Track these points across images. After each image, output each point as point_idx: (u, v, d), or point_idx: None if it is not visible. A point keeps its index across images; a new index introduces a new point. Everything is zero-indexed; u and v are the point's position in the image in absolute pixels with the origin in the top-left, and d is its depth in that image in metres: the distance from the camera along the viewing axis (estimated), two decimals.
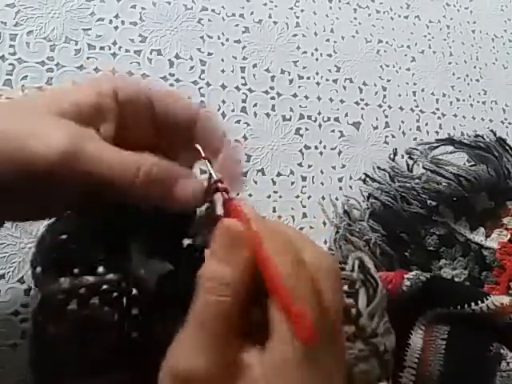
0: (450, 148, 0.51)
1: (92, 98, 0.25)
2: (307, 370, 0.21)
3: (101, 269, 0.25)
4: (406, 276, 0.39)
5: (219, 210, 0.27)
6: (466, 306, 0.38)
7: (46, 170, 0.22)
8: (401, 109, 0.54)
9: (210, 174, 0.27)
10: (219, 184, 0.26)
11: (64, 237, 0.26)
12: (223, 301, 0.22)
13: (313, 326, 0.21)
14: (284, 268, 0.22)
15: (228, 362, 0.22)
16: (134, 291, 0.25)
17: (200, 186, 0.26)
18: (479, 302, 0.38)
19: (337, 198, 0.48)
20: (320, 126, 0.50)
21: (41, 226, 0.37)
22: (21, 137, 0.23)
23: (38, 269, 0.25)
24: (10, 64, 0.42)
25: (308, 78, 0.51)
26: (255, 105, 0.48)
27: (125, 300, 0.26)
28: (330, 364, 0.22)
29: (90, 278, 0.25)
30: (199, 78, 0.47)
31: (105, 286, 0.25)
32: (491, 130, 0.55)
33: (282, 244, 0.23)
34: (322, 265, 0.24)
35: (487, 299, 0.38)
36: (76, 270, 0.25)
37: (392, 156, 0.51)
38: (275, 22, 0.52)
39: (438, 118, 0.55)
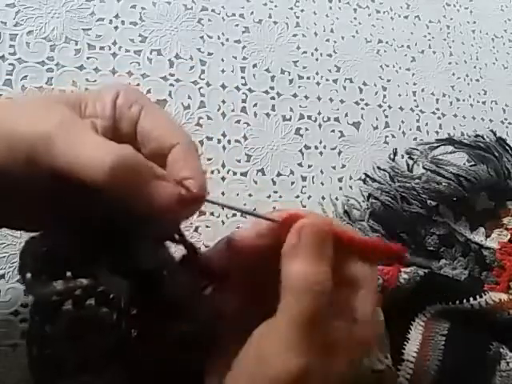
0: (450, 148, 0.51)
1: (94, 94, 0.27)
2: None
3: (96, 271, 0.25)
4: (403, 270, 0.39)
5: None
6: (465, 300, 0.38)
7: (26, 151, 0.22)
8: (401, 109, 0.54)
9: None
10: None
11: (48, 245, 0.25)
12: (321, 300, 0.23)
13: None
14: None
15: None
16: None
17: (175, 192, 0.24)
18: (477, 296, 0.39)
19: (337, 198, 0.48)
20: (320, 125, 0.50)
21: None
22: (16, 120, 0.24)
23: (28, 274, 0.24)
24: (10, 64, 0.42)
25: (308, 78, 0.51)
26: (255, 105, 0.48)
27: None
28: None
29: (85, 281, 0.24)
30: (199, 77, 0.47)
31: (102, 287, 0.25)
32: (491, 130, 0.55)
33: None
34: None
35: (485, 294, 0.39)
36: (69, 274, 0.25)
37: (392, 156, 0.51)
38: (275, 22, 0.52)
39: (438, 118, 0.55)
